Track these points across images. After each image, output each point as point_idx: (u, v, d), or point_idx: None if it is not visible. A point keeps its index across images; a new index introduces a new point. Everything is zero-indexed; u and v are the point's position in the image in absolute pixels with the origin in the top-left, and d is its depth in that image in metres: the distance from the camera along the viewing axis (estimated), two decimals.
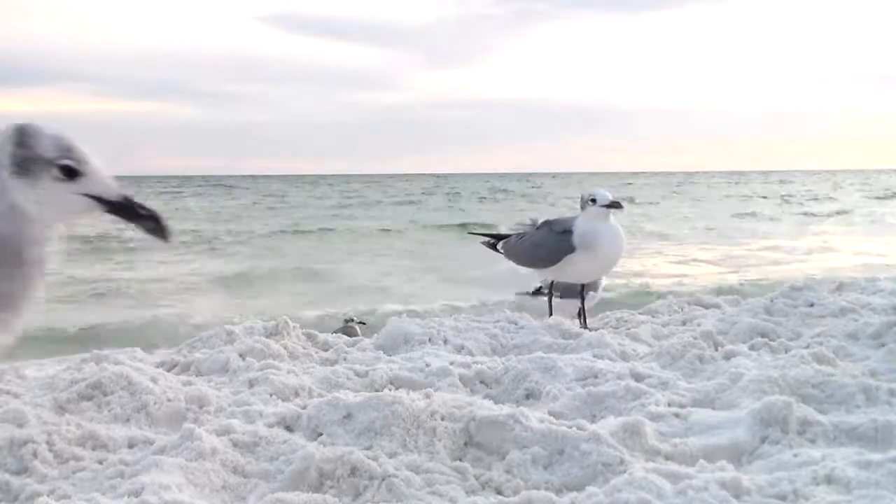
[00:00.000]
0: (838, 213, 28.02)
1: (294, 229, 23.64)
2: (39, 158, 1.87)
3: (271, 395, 4.05)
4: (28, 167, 1.87)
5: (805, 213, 28.63)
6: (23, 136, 1.91)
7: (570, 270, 5.55)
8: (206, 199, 44.55)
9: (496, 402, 3.76)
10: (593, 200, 5.35)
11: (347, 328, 8.14)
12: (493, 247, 6.29)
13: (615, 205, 5.40)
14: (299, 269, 14.86)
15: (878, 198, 38.85)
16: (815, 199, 40.05)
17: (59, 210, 1.90)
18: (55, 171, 1.88)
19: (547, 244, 5.60)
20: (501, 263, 6.22)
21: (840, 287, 6.40)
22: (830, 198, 40.27)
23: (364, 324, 8.21)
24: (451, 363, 4.53)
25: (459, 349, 5.09)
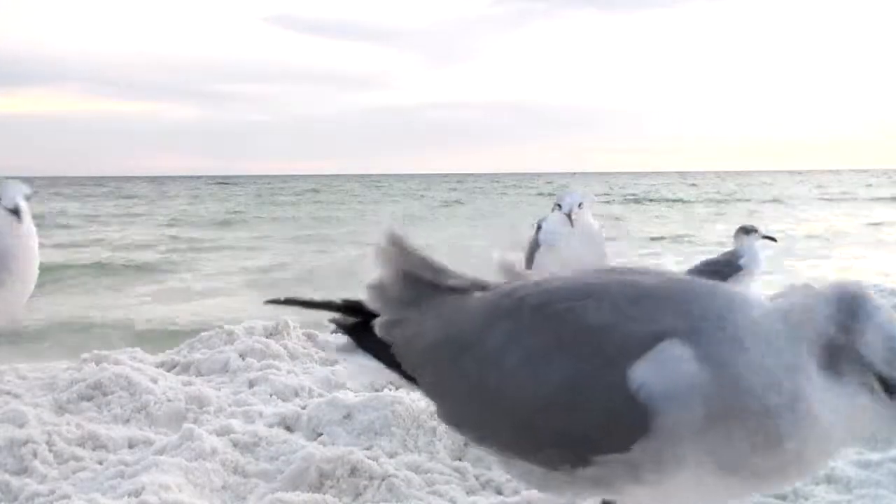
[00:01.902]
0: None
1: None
2: (858, 357, 1.43)
3: (271, 395, 4.05)
4: (837, 358, 1.44)
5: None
6: (849, 317, 1.46)
7: (541, 267, 5.71)
8: (201, 201, 44.52)
9: None
10: (559, 205, 5.52)
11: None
12: None
13: (568, 215, 5.47)
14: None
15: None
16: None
17: (857, 425, 1.48)
18: (873, 381, 1.43)
19: (529, 243, 5.84)
20: None
21: None
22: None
23: None
24: None
25: None
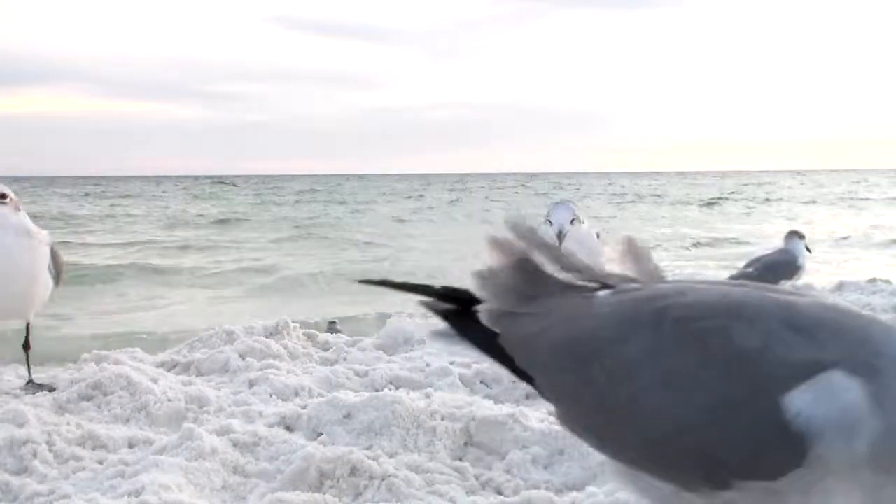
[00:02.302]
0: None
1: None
2: None
3: (271, 395, 4.05)
4: None
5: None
6: None
7: None
8: (200, 202, 44.50)
9: (496, 402, 3.76)
10: (549, 221, 5.45)
11: (331, 329, 8.04)
12: None
13: (559, 237, 5.43)
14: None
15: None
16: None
17: None
18: None
19: None
20: None
21: (840, 287, 6.41)
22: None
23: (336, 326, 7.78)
24: (451, 363, 4.54)
25: None
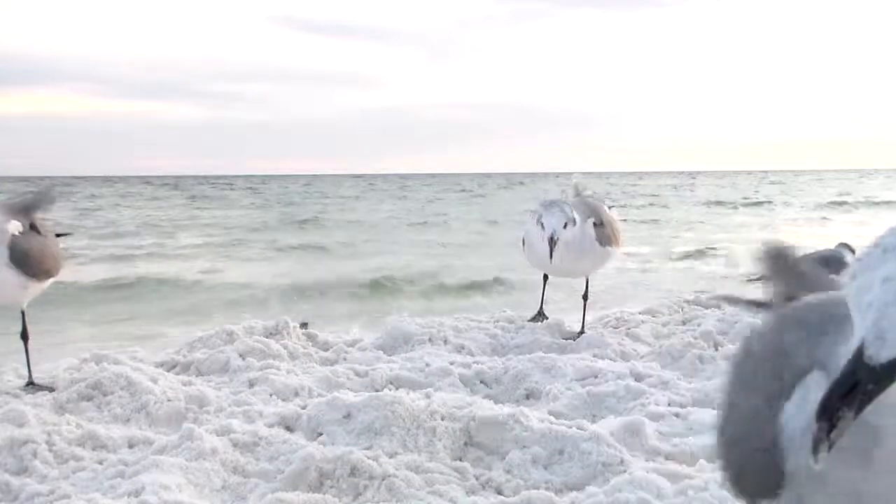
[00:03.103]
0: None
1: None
2: None
3: (271, 395, 4.05)
4: None
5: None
6: None
7: (527, 258, 5.86)
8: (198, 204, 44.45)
9: (496, 402, 3.76)
10: (542, 225, 5.41)
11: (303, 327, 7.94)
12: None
13: (550, 242, 5.38)
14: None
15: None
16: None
17: None
18: None
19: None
20: None
21: None
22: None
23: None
24: (451, 363, 4.54)
25: (459, 349, 5.09)
